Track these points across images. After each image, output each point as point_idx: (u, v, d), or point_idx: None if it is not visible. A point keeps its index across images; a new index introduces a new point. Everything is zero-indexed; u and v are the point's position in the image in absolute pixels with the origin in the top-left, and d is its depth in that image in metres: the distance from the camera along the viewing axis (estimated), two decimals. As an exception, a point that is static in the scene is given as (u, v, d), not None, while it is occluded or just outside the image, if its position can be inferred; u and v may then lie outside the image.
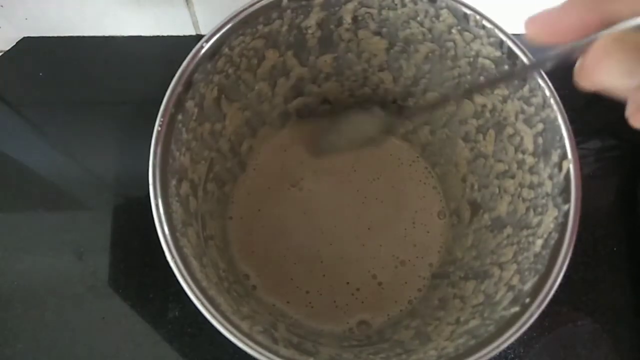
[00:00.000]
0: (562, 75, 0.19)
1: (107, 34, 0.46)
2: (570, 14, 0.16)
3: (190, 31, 0.46)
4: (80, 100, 0.44)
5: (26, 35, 0.46)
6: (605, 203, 0.42)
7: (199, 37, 0.34)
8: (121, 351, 0.35)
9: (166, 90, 0.26)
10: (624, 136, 0.44)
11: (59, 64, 0.45)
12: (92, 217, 0.40)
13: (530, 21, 0.17)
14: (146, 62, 0.46)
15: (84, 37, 0.46)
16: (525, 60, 0.27)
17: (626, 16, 0.15)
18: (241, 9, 0.27)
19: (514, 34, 0.27)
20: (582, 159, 0.25)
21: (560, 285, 0.24)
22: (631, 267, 0.39)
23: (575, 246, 0.24)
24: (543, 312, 0.23)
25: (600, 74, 0.15)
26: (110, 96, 0.44)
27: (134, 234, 0.39)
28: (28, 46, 0.46)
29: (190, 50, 0.26)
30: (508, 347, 0.24)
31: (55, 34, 0.46)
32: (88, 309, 0.36)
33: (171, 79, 0.26)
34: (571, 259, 0.24)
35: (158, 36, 0.46)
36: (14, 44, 0.46)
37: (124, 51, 0.46)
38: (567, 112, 0.26)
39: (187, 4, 0.42)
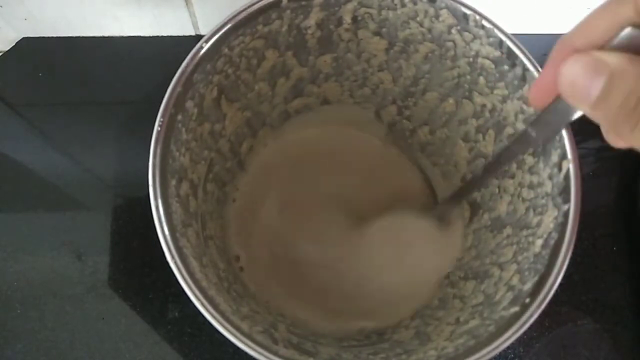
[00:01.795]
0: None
1: (106, 34, 0.46)
2: (549, 74, 0.18)
3: (190, 31, 0.46)
4: (80, 100, 0.44)
5: (25, 36, 0.46)
6: (605, 203, 0.42)
7: (198, 37, 0.34)
8: (121, 351, 0.35)
9: (166, 90, 0.26)
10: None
11: (58, 64, 0.45)
12: (92, 217, 0.40)
13: (529, 90, 0.19)
14: (146, 62, 0.46)
15: (83, 37, 0.46)
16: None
17: None
18: (241, 9, 0.27)
19: (513, 34, 0.27)
20: (582, 159, 0.25)
21: (560, 285, 0.24)
22: (631, 267, 0.40)
23: (575, 246, 0.24)
24: (543, 312, 0.23)
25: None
26: (110, 96, 0.44)
27: (134, 234, 0.39)
28: (27, 46, 0.46)
29: (190, 50, 0.26)
30: (508, 347, 0.24)
31: (55, 34, 0.46)
32: (88, 309, 0.37)
33: (171, 79, 0.26)
34: (571, 259, 0.24)
35: (157, 36, 0.46)
36: (14, 44, 0.46)
37: (124, 51, 0.46)
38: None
39: (187, 4, 0.42)
